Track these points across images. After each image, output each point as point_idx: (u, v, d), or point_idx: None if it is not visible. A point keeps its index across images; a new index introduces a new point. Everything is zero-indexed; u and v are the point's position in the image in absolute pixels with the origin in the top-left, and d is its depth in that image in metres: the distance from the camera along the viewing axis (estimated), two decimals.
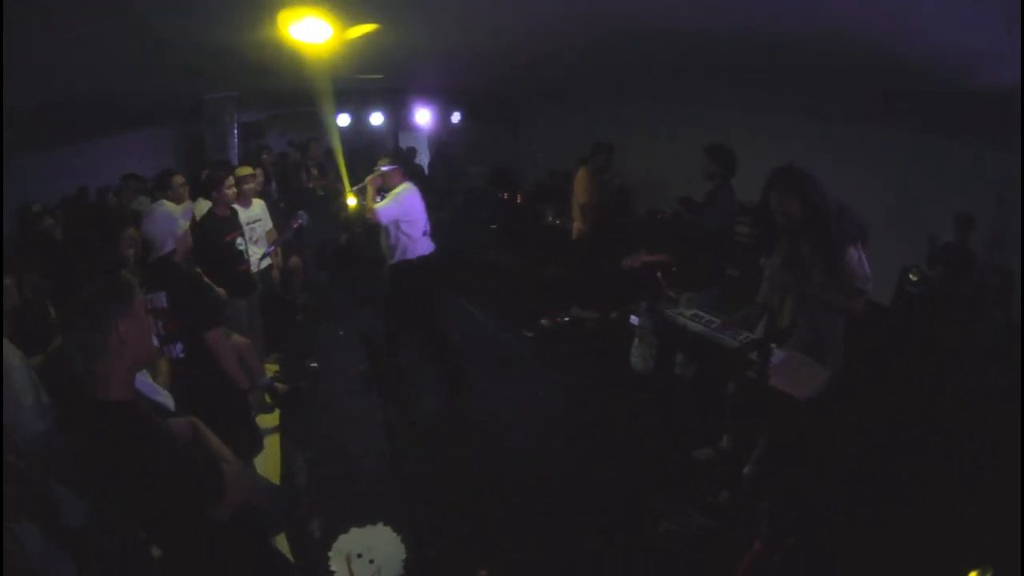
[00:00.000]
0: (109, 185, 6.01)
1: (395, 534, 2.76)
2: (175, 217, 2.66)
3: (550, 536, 2.82)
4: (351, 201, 4.51)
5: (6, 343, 2.00)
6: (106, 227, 3.25)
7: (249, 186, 4.29)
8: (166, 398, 2.22)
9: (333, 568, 2.60)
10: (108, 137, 6.56)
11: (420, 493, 2.59)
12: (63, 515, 1.90)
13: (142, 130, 7.01)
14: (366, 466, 3.37)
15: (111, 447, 1.38)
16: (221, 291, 3.35)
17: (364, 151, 7.36)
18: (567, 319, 5.46)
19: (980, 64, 2.73)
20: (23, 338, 2.21)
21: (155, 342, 2.22)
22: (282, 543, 2.67)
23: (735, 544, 2.45)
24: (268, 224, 4.51)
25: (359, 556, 2.64)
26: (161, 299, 2.55)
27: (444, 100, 8.19)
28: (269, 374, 4.00)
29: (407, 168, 4.18)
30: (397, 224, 3.95)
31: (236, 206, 4.03)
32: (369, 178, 3.98)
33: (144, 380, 2.19)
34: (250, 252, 4.06)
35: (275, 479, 3.30)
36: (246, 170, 4.37)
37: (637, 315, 4.42)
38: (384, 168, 3.99)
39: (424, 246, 4.10)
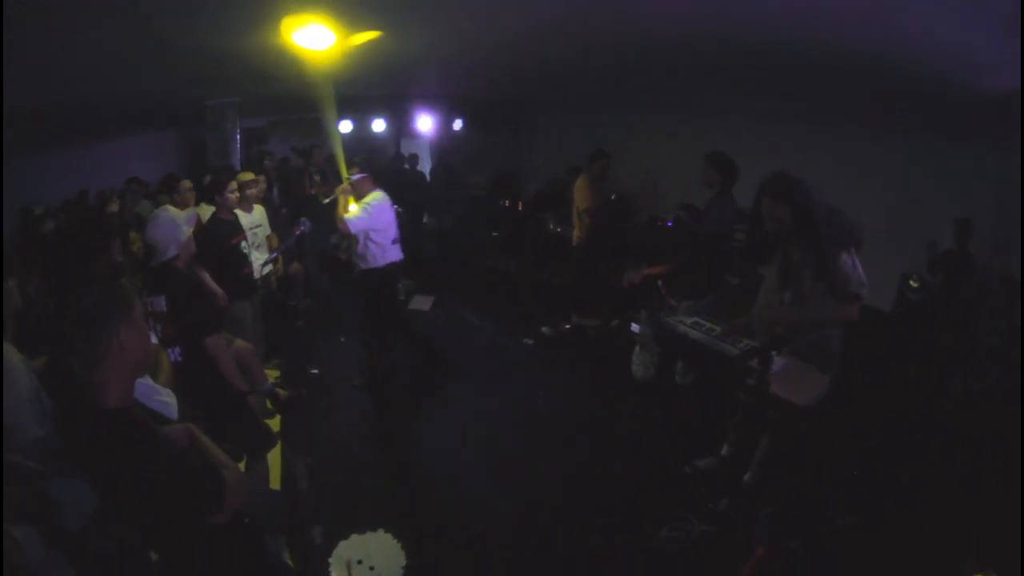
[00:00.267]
0: (110, 189, 5.98)
1: (395, 540, 2.74)
2: (178, 223, 2.67)
3: (551, 542, 2.80)
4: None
5: (7, 345, 2.00)
6: (96, 236, 3.26)
7: (252, 191, 4.32)
8: (168, 397, 2.20)
9: (333, 574, 2.58)
10: (109, 140, 6.55)
11: (419, 499, 2.57)
12: (62, 518, 1.89)
13: (144, 134, 7.00)
14: (366, 472, 3.36)
15: (108, 455, 1.38)
16: (221, 292, 3.36)
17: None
18: (568, 327, 5.47)
19: (980, 66, 2.74)
20: (25, 340, 2.21)
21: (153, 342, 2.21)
22: (282, 549, 2.65)
23: (737, 550, 2.44)
24: (268, 230, 4.54)
25: (359, 562, 2.62)
26: (160, 303, 2.56)
27: (446, 107, 8.21)
28: (270, 380, 3.99)
29: (377, 176, 4.20)
30: (367, 234, 3.97)
31: (238, 211, 4.04)
32: (339, 188, 4.00)
33: (144, 382, 2.18)
34: (252, 257, 4.07)
35: (275, 485, 3.29)
36: (249, 175, 4.41)
37: (638, 323, 4.41)
38: (354, 177, 4.00)
39: (393, 254, 4.15)
